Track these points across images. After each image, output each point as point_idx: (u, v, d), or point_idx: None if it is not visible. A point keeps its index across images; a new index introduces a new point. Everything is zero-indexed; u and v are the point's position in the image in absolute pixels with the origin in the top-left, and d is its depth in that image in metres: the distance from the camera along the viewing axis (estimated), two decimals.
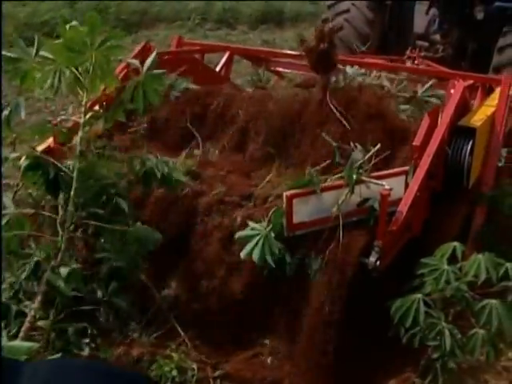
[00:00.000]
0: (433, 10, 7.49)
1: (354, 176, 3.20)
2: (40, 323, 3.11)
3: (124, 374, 1.22)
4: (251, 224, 3.24)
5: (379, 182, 3.24)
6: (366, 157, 3.38)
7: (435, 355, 3.24)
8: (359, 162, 3.27)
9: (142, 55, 4.73)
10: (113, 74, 3.26)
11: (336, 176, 3.35)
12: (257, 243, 3.13)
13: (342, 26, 5.80)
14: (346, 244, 3.22)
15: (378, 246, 3.18)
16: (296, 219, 3.22)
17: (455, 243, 3.30)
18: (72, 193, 3.19)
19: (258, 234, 3.16)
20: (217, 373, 3.50)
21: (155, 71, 3.31)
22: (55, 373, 1.11)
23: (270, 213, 3.23)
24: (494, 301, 3.15)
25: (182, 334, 3.63)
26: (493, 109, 4.19)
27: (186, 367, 3.44)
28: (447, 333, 3.15)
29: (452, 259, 3.28)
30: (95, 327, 3.32)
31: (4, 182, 4.51)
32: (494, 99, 4.30)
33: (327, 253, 3.22)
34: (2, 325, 3.09)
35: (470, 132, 3.85)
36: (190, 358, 3.52)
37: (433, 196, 3.79)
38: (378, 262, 3.17)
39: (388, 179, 3.34)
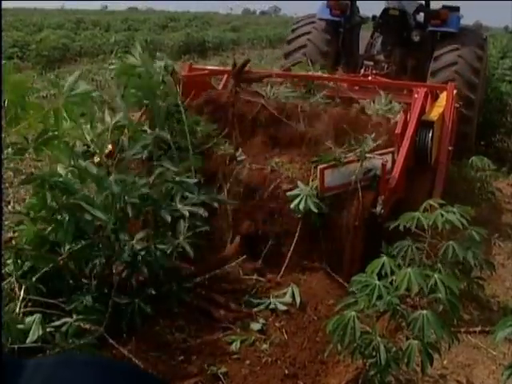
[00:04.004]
0: (375, 35, 9.37)
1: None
2: None
3: (132, 371, 1.22)
4: (299, 185, 4.82)
5: (380, 157, 4.90)
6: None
7: (372, 372, 3.48)
8: (370, 146, 4.95)
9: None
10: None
11: (349, 154, 4.98)
12: (302, 199, 4.73)
13: None
14: (362, 200, 4.85)
15: (381, 200, 4.81)
16: (326, 184, 4.84)
17: (384, 258, 3.76)
18: None
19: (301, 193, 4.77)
20: None
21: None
22: (59, 369, 1.10)
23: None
24: (425, 311, 3.43)
25: None
26: (442, 108, 6.02)
27: None
28: (382, 347, 3.37)
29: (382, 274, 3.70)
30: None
31: None
32: (442, 101, 6.13)
33: (353, 207, 4.82)
34: None
35: (430, 124, 5.63)
36: None
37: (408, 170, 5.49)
38: (382, 211, 4.81)
39: (382, 156, 5.00)
